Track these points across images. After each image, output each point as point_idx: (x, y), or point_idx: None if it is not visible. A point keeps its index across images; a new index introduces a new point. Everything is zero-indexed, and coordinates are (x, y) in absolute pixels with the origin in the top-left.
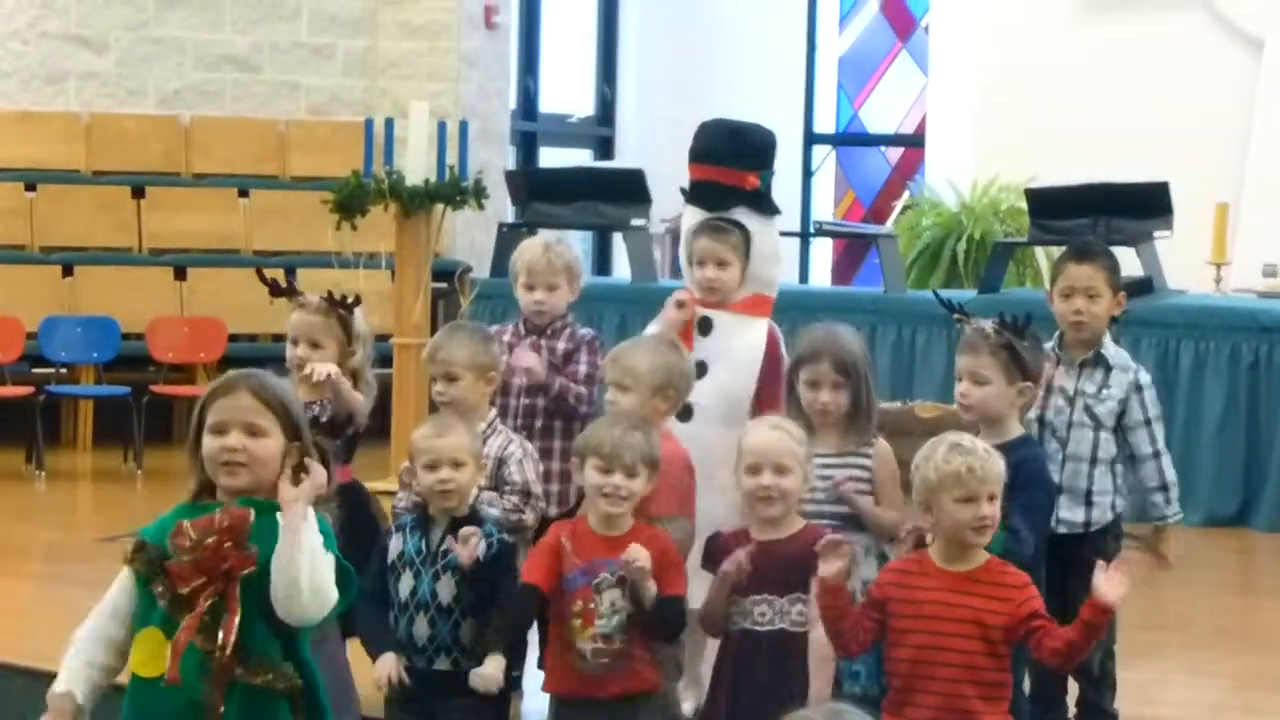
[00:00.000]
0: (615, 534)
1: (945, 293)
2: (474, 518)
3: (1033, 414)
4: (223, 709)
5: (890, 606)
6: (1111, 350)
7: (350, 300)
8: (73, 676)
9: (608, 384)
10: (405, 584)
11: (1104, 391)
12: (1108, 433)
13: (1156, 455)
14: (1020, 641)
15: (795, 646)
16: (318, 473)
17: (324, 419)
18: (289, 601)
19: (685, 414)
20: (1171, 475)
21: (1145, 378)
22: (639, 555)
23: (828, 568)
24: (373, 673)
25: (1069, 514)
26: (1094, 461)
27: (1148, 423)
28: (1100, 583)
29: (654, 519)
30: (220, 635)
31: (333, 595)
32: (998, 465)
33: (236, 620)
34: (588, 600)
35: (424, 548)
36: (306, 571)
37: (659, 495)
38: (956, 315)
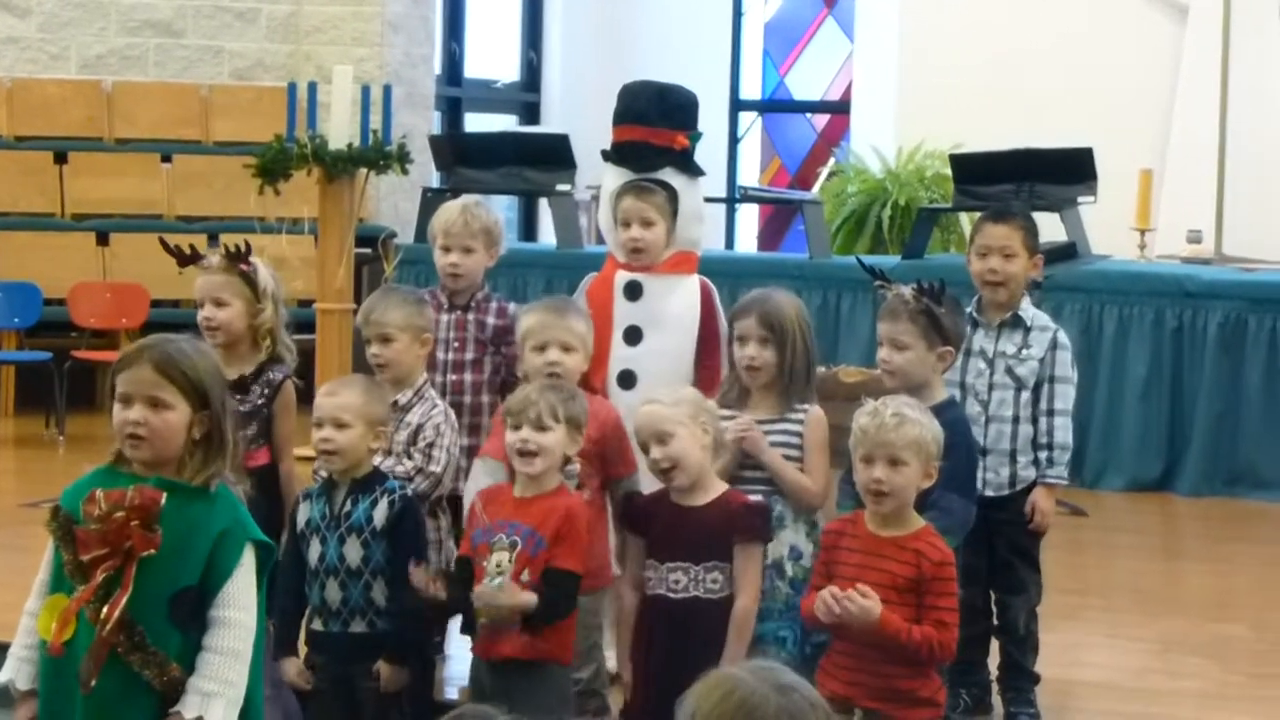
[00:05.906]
0: (530, 495)
1: (868, 259)
2: (374, 479)
3: (953, 378)
4: (93, 683)
5: (830, 568)
6: (1030, 311)
7: (244, 250)
8: (13, 663)
9: (546, 345)
10: (314, 551)
11: (1024, 351)
12: (1029, 392)
13: (1051, 413)
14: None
15: (707, 614)
16: None
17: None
18: None
19: (627, 382)
20: (1061, 438)
21: (1063, 338)
22: (486, 597)
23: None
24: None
25: (994, 475)
26: (1016, 421)
27: (1053, 380)
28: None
29: (615, 481)
30: (105, 610)
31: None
32: (906, 431)
33: (125, 599)
34: (482, 558)
35: (328, 512)
36: None
37: (621, 457)
38: (878, 282)
